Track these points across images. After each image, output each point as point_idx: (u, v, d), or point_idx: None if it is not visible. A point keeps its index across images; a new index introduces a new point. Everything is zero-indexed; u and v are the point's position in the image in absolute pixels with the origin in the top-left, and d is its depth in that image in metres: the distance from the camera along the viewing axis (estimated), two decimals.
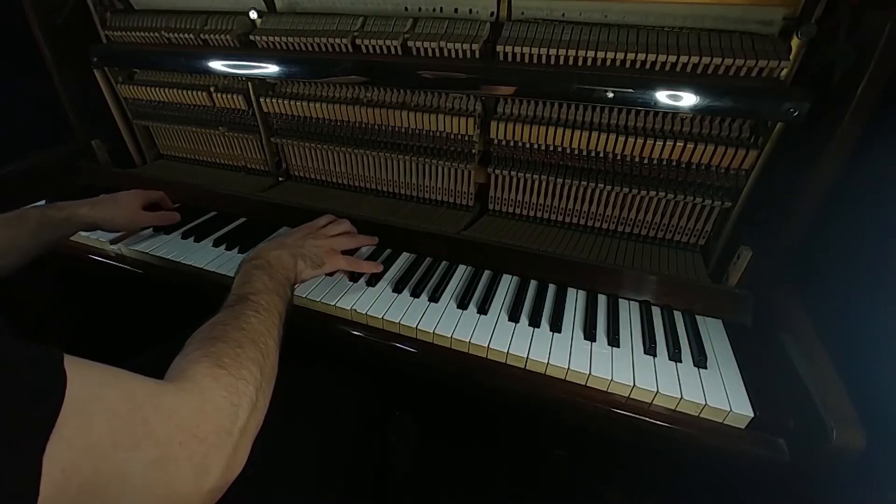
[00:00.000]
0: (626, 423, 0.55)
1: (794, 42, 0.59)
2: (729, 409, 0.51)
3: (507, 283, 0.71)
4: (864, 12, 0.52)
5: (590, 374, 0.56)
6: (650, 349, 0.58)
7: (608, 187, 0.75)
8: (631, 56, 0.64)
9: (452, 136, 0.80)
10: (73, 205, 0.74)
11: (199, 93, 0.95)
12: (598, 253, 0.76)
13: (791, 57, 0.59)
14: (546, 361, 0.57)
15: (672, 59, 0.63)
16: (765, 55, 0.60)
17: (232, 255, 0.77)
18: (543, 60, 0.69)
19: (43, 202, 0.95)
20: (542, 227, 0.84)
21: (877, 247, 0.55)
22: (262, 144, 0.97)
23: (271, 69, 0.83)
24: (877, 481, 0.47)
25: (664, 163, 0.70)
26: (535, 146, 0.75)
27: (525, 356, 0.58)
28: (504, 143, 0.77)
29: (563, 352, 0.59)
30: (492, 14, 0.73)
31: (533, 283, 0.71)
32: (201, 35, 0.88)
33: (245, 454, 0.39)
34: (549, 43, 0.67)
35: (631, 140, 0.69)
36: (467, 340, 0.60)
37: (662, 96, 0.63)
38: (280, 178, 1.02)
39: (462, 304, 0.66)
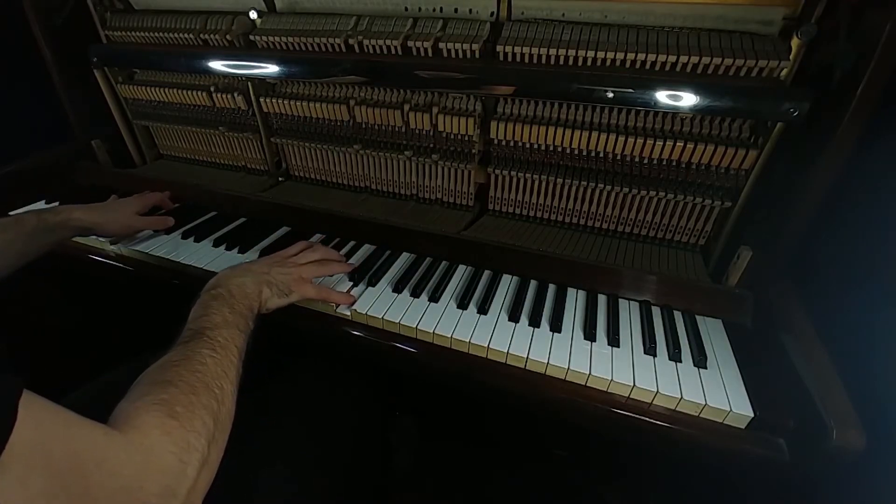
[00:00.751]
0: (626, 423, 0.55)
1: (794, 42, 0.59)
2: (729, 409, 0.51)
3: (507, 283, 0.71)
4: (864, 12, 0.53)
5: (590, 374, 0.56)
6: (650, 349, 0.58)
7: (608, 187, 0.75)
8: (631, 56, 0.64)
9: (452, 136, 0.80)
10: (69, 209, 0.74)
11: (199, 93, 0.95)
12: (598, 253, 0.76)
13: (791, 57, 0.59)
14: (546, 361, 0.57)
15: (672, 59, 0.63)
16: (765, 55, 0.60)
17: (232, 255, 0.77)
18: (543, 60, 0.69)
19: (42, 202, 0.95)
20: (542, 227, 0.84)
21: (877, 247, 0.55)
22: (262, 144, 0.97)
23: (271, 69, 0.83)
24: (877, 481, 0.47)
25: (664, 163, 0.70)
26: (535, 146, 0.75)
27: (525, 356, 0.58)
28: (504, 143, 0.77)
29: (563, 352, 0.58)
30: (492, 14, 0.73)
31: (533, 283, 0.71)
32: (201, 35, 0.88)
33: None
34: (549, 43, 0.67)
35: (631, 140, 0.69)
36: (467, 340, 0.60)
37: (662, 96, 0.63)
38: (280, 178, 1.02)
39: (462, 304, 0.66)
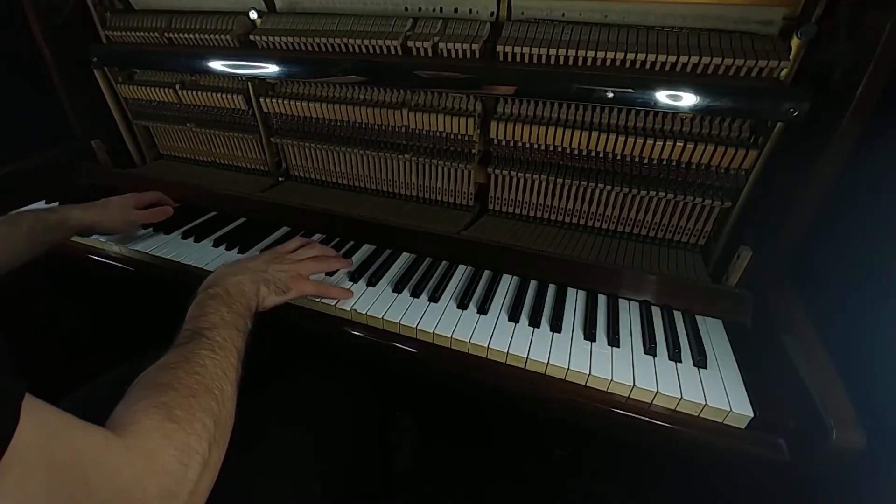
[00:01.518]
0: (626, 423, 0.55)
1: (794, 42, 0.59)
2: (729, 409, 0.51)
3: (506, 283, 0.71)
4: (864, 12, 0.53)
5: (590, 374, 0.56)
6: (650, 349, 0.58)
7: (608, 187, 0.75)
8: (631, 56, 0.64)
9: (452, 136, 0.80)
10: (67, 208, 0.74)
11: (199, 93, 0.95)
12: (598, 253, 0.76)
13: (791, 57, 0.59)
14: (546, 361, 0.57)
15: (672, 59, 0.63)
16: (765, 55, 0.60)
17: (232, 255, 0.77)
18: (543, 60, 0.69)
19: (42, 202, 0.95)
20: (542, 227, 0.84)
21: (877, 247, 0.55)
22: (262, 144, 0.97)
23: (271, 69, 0.83)
24: (877, 481, 0.47)
25: (664, 163, 0.70)
26: (535, 146, 0.75)
27: (525, 356, 0.58)
28: (504, 143, 0.77)
29: (563, 352, 0.58)
30: (492, 14, 0.73)
31: (533, 283, 0.71)
32: (201, 35, 0.88)
33: None
34: (549, 43, 0.67)
35: (631, 140, 0.69)
36: (467, 340, 0.60)
37: (662, 96, 0.63)
38: (280, 178, 1.02)
39: (462, 304, 0.66)
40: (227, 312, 0.50)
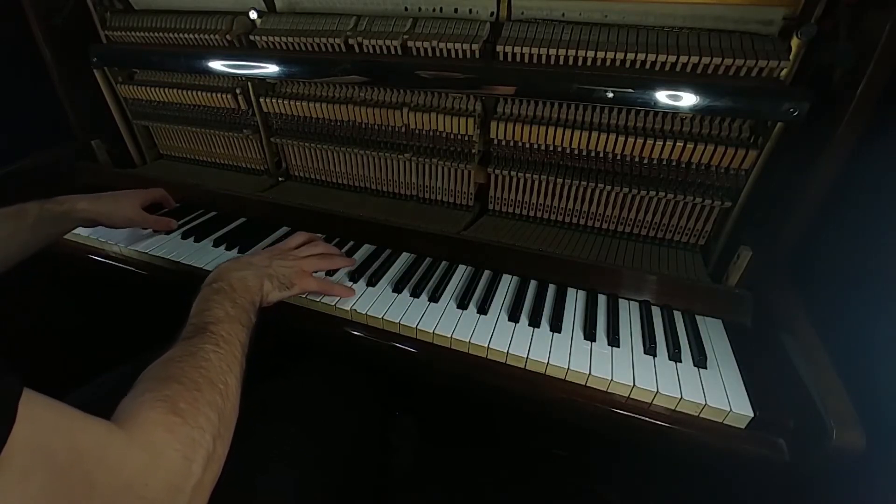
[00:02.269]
0: (627, 423, 0.55)
1: (794, 42, 0.59)
2: (729, 409, 0.51)
3: (506, 283, 0.71)
4: (864, 12, 0.52)
5: (590, 374, 0.56)
6: (650, 349, 0.58)
7: (608, 187, 0.75)
8: (631, 56, 0.64)
9: (452, 136, 0.80)
10: (73, 199, 0.73)
11: (199, 93, 0.95)
12: (598, 253, 0.76)
13: (791, 57, 0.59)
14: (546, 361, 0.57)
15: (672, 59, 0.63)
16: (765, 55, 0.60)
17: (232, 255, 0.77)
18: (543, 60, 0.69)
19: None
20: (542, 227, 0.84)
21: (877, 246, 0.55)
22: (262, 144, 0.97)
23: (271, 69, 0.83)
24: (877, 481, 0.47)
25: (664, 163, 0.70)
26: (535, 146, 0.75)
27: (525, 356, 0.58)
28: (504, 143, 0.77)
29: (563, 352, 0.58)
30: (492, 14, 0.73)
31: (533, 283, 0.71)
32: (201, 35, 0.88)
33: None
34: (548, 43, 0.67)
35: (631, 140, 0.69)
36: (467, 340, 0.60)
37: (662, 96, 0.63)
38: (280, 178, 1.02)
39: (462, 304, 0.66)
40: (232, 307, 0.50)
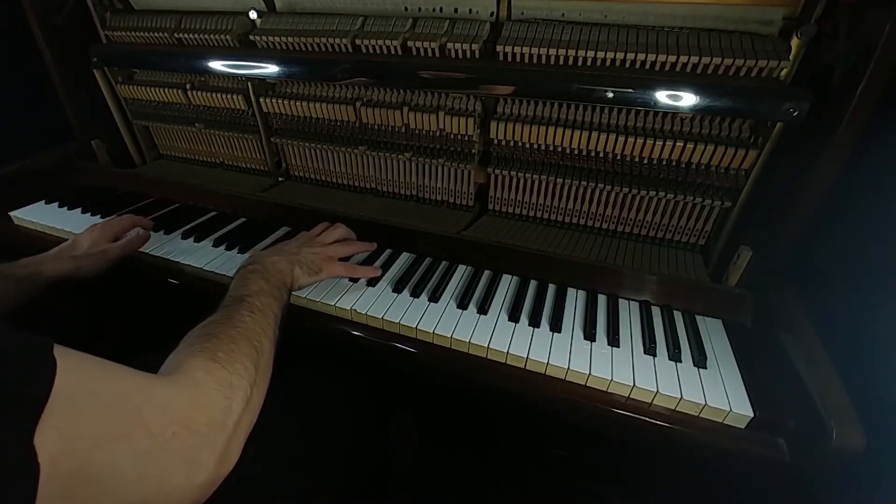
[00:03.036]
0: (627, 423, 0.55)
1: (794, 42, 0.59)
2: (729, 409, 0.51)
3: (506, 283, 0.71)
4: (864, 12, 0.52)
5: (590, 374, 0.56)
6: (650, 349, 0.58)
7: (608, 187, 0.75)
8: (631, 56, 0.64)
9: (452, 136, 0.80)
10: (36, 262, 0.68)
11: (199, 93, 0.95)
12: (598, 253, 0.76)
13: (791, 57, 0.59)
14: (546, 361, 0.57)
15: (672, 59, 0.63)
16: (764, 55, 0.60)
17: (232, 255, 0.77)
18: (543, 60, 0.69)
19: (42, 202, 0.94)
20: (542, 227, 0.84)
21: (877, 246, 0.55)
22: (262, 144, 0.97)
23: (271, 69, 0.83)
24: (877, 481, 0.47)
25: (664, 163, 0.70)
26: (535, 146, 0.75)
27: (525, 356, 0.58)
28: (504, 143, 0.77)
29: (563, 352, 0.58)
30: (492, 14, 0.73)
31: (533, 283, 0.71)
32: (201, 35, 0.88)
33: (238, 449, 0.38)
34: (548, 43, 0.67)
35: (631, 140, 0.69)
36: (467, 340, 0.60)
37: (662, 96, 0.63)
38: (280, 178, 1.02)
39: (462, 304, 0.66)
40: (266, 284, 0.55)
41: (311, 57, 0.81)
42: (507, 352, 0.59)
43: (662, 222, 0.77)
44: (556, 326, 0.62)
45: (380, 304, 0.66)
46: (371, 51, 0.77)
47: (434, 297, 0.67)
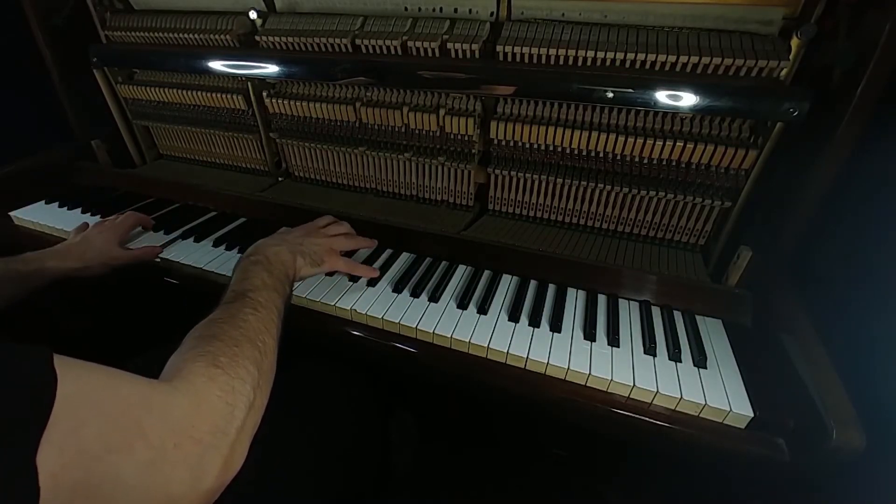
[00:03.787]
0: (626, 422, 0.55)
1: (794, 42, 0.59)
2: (729, 409, 0.51)
3: (506, 283, 0.71)
4: (864, 12, 0.53)
5: (590, 374, 0.56)
6: (650, 349, 0.58)
7: (608, 187, 0.75)
8: (631, 56, 0.64)
9: (452, 136, 0.79)
10: (41, 257, 0.68)
11: (199, 93, 0.95)
12: (598, 253, 0.76)
13: (791, 57, 0.59)
14: (546, 361, 0.57)
15: (672, 59, 0.63)
16: (764, 55, 0.60)
17: (232, 255, 0.77)
18: (543, 60, 0.69)
19: (42, 202, 0.94)
20: (542, 227, 0.84)
21: (877, 246, 0.55)
22: (262, 144, 0.97)
23: (271, 69, 0.83)
24: (877, 481, 0.47)
25: (664, 163, 0.70)
26: (535, 146, 0.75)
27: (525, 356, 0.58)
28: (504, 143, 0.77)
29: (563, 352, 0.58)
30: (491, 14, 0.73)
31: (533, 283, 0.71)
32: (201, 35, 0.88)
33: (242, 455, 0.38)
34: (548, 43, 0.67)
35: (631, 140, 0.69)
36: (467, 340, 0.60)
37: (662, 96, 0.63)
38: (280, 178, 1.02)
39: (462, 304, 0.66)
40: (268, 277, 0.54)
41: (311, 57, 0.81)
42: (507, 352, 0.59)
43: (662, 222, 0.77)
44: (556, 326, 0.62)
45: (380, 304, 0.66)
46: (371, 51, 0.77)
47: (434, 297, 0.67)
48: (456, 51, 0.72)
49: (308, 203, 0.87)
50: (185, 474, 0.33)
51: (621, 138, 0.69)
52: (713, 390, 0.53)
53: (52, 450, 0.26)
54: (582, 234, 0.81)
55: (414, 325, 0.62)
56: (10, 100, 1.03)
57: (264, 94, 0.89)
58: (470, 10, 0.73)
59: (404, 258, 0.77)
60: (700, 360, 0.57)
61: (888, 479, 0.46)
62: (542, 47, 0.67)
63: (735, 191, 0.69)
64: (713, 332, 0.62)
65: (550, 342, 0.60)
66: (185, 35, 0.90)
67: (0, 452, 0.25)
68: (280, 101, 0.88)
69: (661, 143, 0.67)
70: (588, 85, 0.66)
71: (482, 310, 0.65)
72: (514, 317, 0.64)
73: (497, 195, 0.85)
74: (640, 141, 0.68)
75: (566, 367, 0.56)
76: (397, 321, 0.63)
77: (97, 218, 0.87)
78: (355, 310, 0.65)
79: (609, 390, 0.56)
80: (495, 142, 0.77)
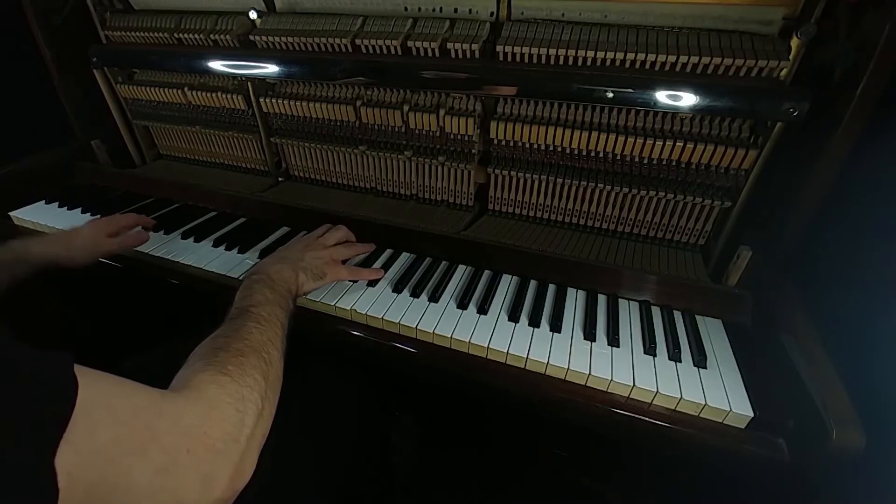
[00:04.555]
0: (626, 422, 0.55)
1: (794, 42, 0.59)
2: (729, 409, 0.51)
3: (506, 283, 0.71)
4: (864, 12, 0.53)
5: (589, 374, 0.56)
6: (650, 349, 0.58)
7: (608, 187, 0.75)
8: (631, 56, 0.64)
9: (452, 136, 0.79)
10: (25, 244, 0.68)
11: (199, 93, 0.95)
12: (598, 253, 0.76)
13: (791, 57, 0.59)
14: (546, 361, 0.57)
15: (672, 59, 0.63)
16: (764, 55, 0.60)
17: (232, 255, 0.77)
18: (543, 60, 0.69)
19: (42, 202, 0.94)
20: (542, 227, 0.84)
21: (877, 246, 0.55)
22: (262, 144, 0.97)
23: (271, 69, 0.83)
24: (877, 481, 0.47)
25: (664, 163, 0.70)
26: (535, 146, 0.75)
27: (525, 356, 0.58)
28: (504, 143, 0.77)
29: (563, 352, 0.58)
30: (491, 14, 0.73)
31: (533, 283, 0.71)
32: (201, 35, 0.88)
33: (252, 463, 0.38)
34: (548, 43, 0.67)
35: (631, 140, 0.69)
36: (467, 340, 0.60)
37: (662, 96, 0.63)
38: (280, 178, 1.02)
39: (462, 304, 0.66)
40: (271, 293, 0.55)
41: (310, 57, 0.81)
42: (507, 352, 0.59)
43: (662, 222, 0.77)
44: (555, 326, 0.62)
45: (380, 304, 0.66)
46: (371, 51, 0.77)
47: (434, 297, 0.67)
48: (456, 51, 0.72)
49: (308, 203, 0.87)
50: (195, 482, 0.33)
51: (621, 138, 0.69)
52: (713, 390, 0.53)
53: (68, 449, 0.27)
54: (582, 234, 0.81)
55: (414, 325, 0.62)
56: (10, 100, 1.03)
57: (261, 98, 0.89)
58: (470, 10, 0.73)
59: (404, 258, 0.77)
60: (700, 360, 0.57)
61: (888, 479, 0.46)
62: (542, 47, 0.67)
63: (735, 191, 0.69)
64: (713, 332, 0.62)
65: (550, 342, 0.60)
66: (185, 35, 0.90)
67: (22, 452, 0.25)
68: (280, 102, 0.88)
69: (661, 143, 0.67)
70: (588, 85, 0.66)
71: (482, 310, 0.65)
72: (514, 317, 0.64)
73: (497, 195, 0.85)
74: (640, 141, 0.68)
75: (566, 367, 0.56)
76: (397, 321, 0.63)
77: (97, 218, 0.87)
78: (355, 310, 0.65)
79: (609, 390, 0.56)
80: (495, 142, 0.77)
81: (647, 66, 0.65)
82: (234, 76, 0.90)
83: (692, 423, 0.53)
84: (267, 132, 0.95)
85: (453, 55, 0.73)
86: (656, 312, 0.65)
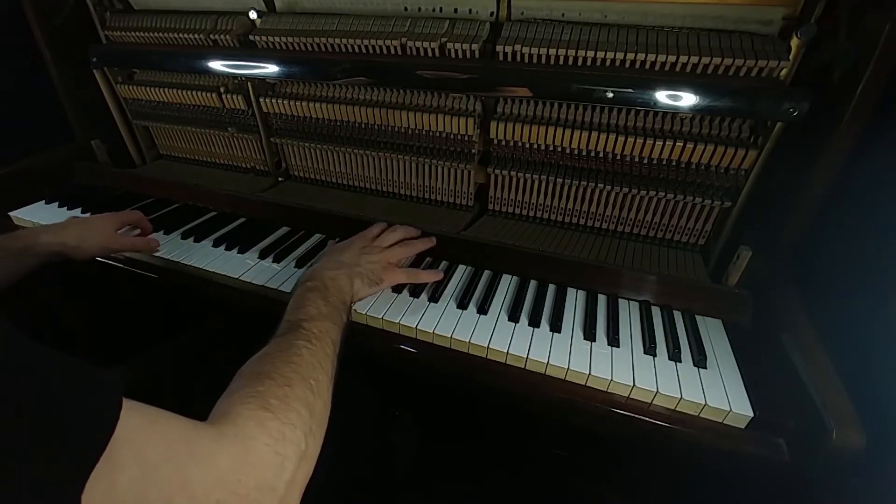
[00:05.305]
0: (626, 422, 0.55)
1: (794, 42, 0.59)
2: (729, 409, 0.51)
3: (506, 283, 0.71)
4: (863, 12, 0.52)
5: (589, 373, 0.56)
6: (650, 349, 0.58)
7: (608, 187, 0.75)
8: (631, 56, 0.64)
9: (452, 136, 0.80)
10: (34, 232, 0.66)
11: (199, 93, 0.95)
12: (598, 253, 0.76)
13: (791, 57, 0.59)
14: (546, 361, 0.57)
15: (672, 59, 0.63)
16: (764, 55, 0.60)
17: (231, 255, 0.77)
18: (543, 60, 0.69)
19: (42, 202, 0.94)
20: (542, 227, 0.84)
21: (877, 246, 0.55)
22: (262, 144, 0.97)
23: (271, 69, 0.83)
24: (877, 481, 0.47)
25: (664, 163, 0.70)
26: (535, 146, 0.75)
27: (525, 356, 0.58)
28: (504, 143, 0.77)
29: (563, 352, 0.58)
30: (491, 14, 0.73)
31: (533, 283, 0.71)
32: (200, 35, 0.88)
33: None
34: (548, 43, 0.67)
35: (631, 140, 0.69)
36: (467, 340, 0.60)
37: (662, 96, 0.63)
38: (280, 178, 1.02)
39: (462, 304, 0.66)
40: (325, 306, 0.52)
41: (310, 57, 0.81)
42: (507, 352, 0.59)
43: (662, 222, 0.77)
44: (555, 326, 0.62)
45: (380, 304, 0.66)
46: (371, 51, 0.77)
47: (434, 297, 0.67)
48: (456, 51, 0.72)
49: (308, 203, 0.87)
50: None
51: (621, 138, 0.69)
52: (713, 390, 0.53)
53: (92, 492, 0.24)
54: (582, 234, 0.81)
55: (414, 326, 0.62)
56: (11, 100, 1.03)
57: (261, 98, 0.89)
58: (470, 10, 0.73)
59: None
60: (700, 360, 0.57)
61: (888, 479, 0.46)
62: (542, 47, 0.67)
63: (735, 191, 0.69)
64: (713, 332, 0.62)
65: (550, 342, 0.60)
66: (185, 35, 0.90)
67: (52, 486, 0.23)
68: (280, 102, 0.88)
69: (661, 143, 0.67)
70: (588, 85, 0.66)
71: (482, 310, 0.65)
72: (513, 317, 0.64)
73: (497, 195, 0.85)
74: (640, 141, 0.68)
75: (566, 366, 0.56)
76: (397, 321, 0.63)
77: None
78: (355, 310, 0.65)
79: (609, 390, 0.56)
80: (495, 142, 0.77)
81: (647, 66, 0.65)
82: (234, 76, 0.90)
83: (692, 423, 0.53)
84: (267, 132, 0.95)
85: (453, 55, 0.73)
86: (656, 312, 0.65)
